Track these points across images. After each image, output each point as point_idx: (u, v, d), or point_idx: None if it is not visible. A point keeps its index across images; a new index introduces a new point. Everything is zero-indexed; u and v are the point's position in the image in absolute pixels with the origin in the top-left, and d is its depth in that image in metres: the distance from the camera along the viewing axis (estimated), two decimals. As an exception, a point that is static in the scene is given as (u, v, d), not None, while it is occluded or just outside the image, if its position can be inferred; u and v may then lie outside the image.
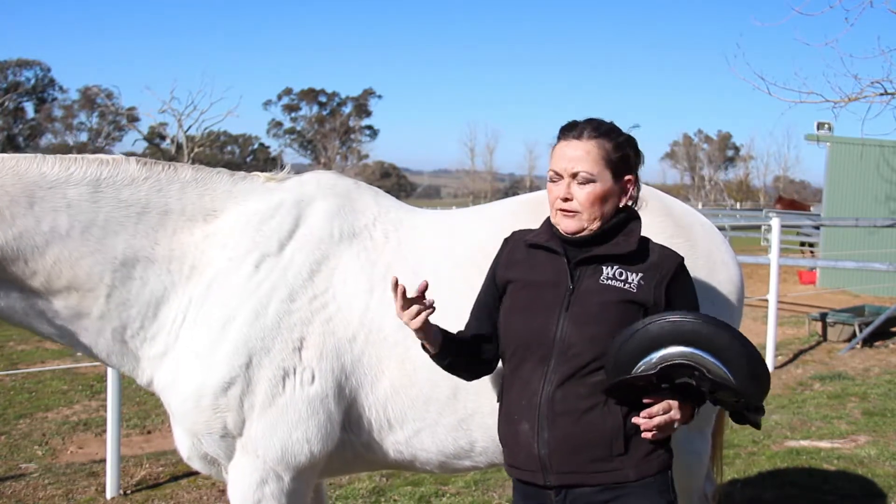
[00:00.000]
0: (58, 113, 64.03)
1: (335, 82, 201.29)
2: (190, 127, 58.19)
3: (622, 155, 2.41)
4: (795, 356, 10.25)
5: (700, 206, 42.91)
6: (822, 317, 11.32)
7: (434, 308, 2.34)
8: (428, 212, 3.40)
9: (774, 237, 10.25)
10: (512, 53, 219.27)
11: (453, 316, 2.74)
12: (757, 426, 2.41)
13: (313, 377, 2.80)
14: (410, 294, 2.31)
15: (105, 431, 5.84)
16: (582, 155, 2.37)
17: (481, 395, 2.88)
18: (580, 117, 2.47)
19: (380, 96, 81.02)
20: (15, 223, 2.71)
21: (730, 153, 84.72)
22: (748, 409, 2.31)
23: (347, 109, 75.60)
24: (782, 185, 78.25)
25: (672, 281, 2.39)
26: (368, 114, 76.53)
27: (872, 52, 17.61)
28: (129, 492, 5.50)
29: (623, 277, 2.37)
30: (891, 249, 16.27)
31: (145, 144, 62.23)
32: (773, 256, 10.20)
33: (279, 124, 76.22)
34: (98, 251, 2.79)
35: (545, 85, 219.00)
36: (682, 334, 2.21)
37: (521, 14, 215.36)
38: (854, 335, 10.72)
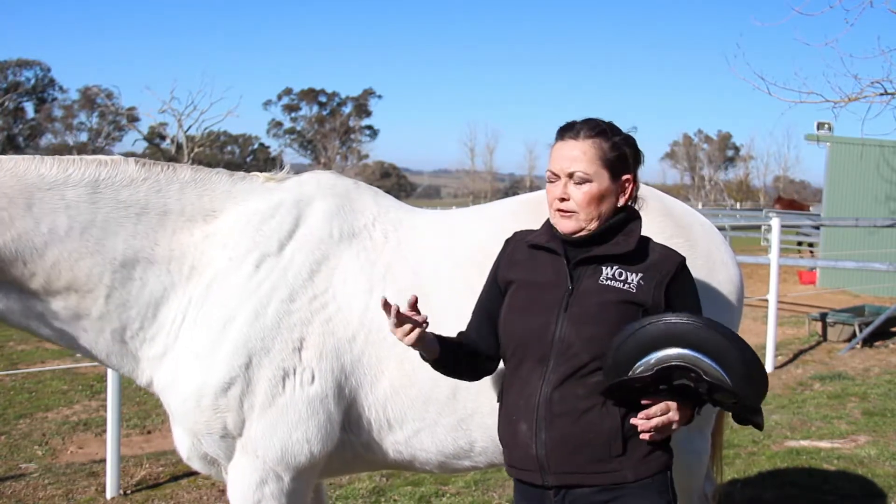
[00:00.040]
0: (58, 113, 64.02)
1: (335, 82, 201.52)
2: (190, 127, 58.28)
3: (619, 154, 2.40)
4: (795, 356, 10.25)
5: (700, 206, 42.92)
6: (822, 317, 11.32)
7: (427, 324, 2.33)
8: (428, 212, 3.40)
9: (774, 237, 10.25)
10: (512, 53, 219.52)
11: (453, 316, 2.74)
12: (759, 427, 2.41)
13: (313, 377, 2.80)
14: (403, 309, 2.31)
15: (105, 431, 5.84)
16: (578, 155, 2.37)
17: (481, 395, 2.88)
18: (580, 117, 2.47)
19: (380, 96, 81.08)
20: (13, 225, 2.70)
21: (730, 153, 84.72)
22: (746, 410, 2.31)
23: (347, 109, 75.64)
24: (782, 185, 78.25)
25: (672, 281, 2.39)
26: (368, 114, 76.59)
27: (872, 52, 17.63)
28: (129, 492, 5.50)
29: (623, 278, 2.37)
30: (891, 249, 16.27)
31: (145, 144, 62.28)
32: (773, 256, 10.19)
33: (279, 124, 76.27)
34: (97, 252, 2.79)
35: (545, 85, 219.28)
36: (679, 336, 2.21)
37: (521, 14, 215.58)
38: (854, 335, 10.72)
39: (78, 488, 5.54)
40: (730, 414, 2.45)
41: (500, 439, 2.51)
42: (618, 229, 2.42)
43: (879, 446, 6.41)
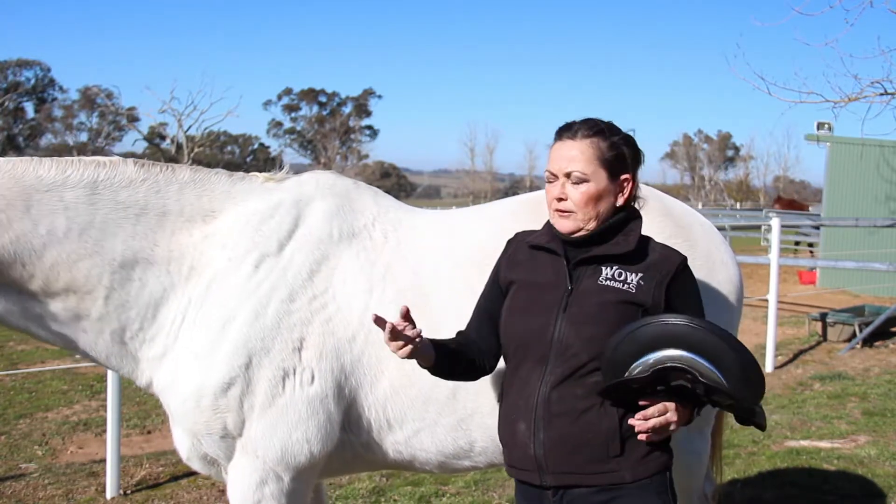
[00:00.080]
0: (58, 113, 64.03)
1: (335, 82, 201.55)
2: (190, 127, 58.27)
3: (617, 154, 2.40)
4: (795, 356, 10.25)
5: (700, 206, 42.92)
6: (822, 317, 11.32)
7: (420, 338, 2.32)
8: (427, 212, 3.40)
9: (774, 237, 10.25)
10: (512, 53, 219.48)
11: (453, 316, 2.75)
12: (761, 428, 2.41)
13: (313, 377, 2.80)
14: (395, 319, 2.30)
15: (105, 431, 5.84)
16: (576, 154, 2.38)
17: (480, 395, 2.88)
18: (580, 117, 2.47)
19: (380, 96, 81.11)
20: (11, 227, 2.70)
21: (730, 153, 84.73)
22: (744, 411, 2.32)
23: (347, 109, 75.64)
24: (782, 185, 78.25)
25: (673, 281, 2.38)
26: (368, 114, 76.58)
27: (872, 52, 17.61)
28: (129, 492, 5.50)
29: (622, 278, 2.37)
30: (891, 249, 16.27)
31: (145, 144, 62.26)
32: (773, 256, 10.19)
33: (279, 124, 76.27)
34: (96, 253, 2.79)
35: (545, 85, 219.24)
36: (676, 337, 2.20)
37: (521, 14, 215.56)
38: (854, 335, 10.72)
39: (78, 488, 5.54)
40: (729, 414, 2.45)
41: (499, 439, 2.51)
42: (617, 229, 2.42)
43: (879, 446, 6.41)
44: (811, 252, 23.12)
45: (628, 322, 2.29)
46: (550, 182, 2.43)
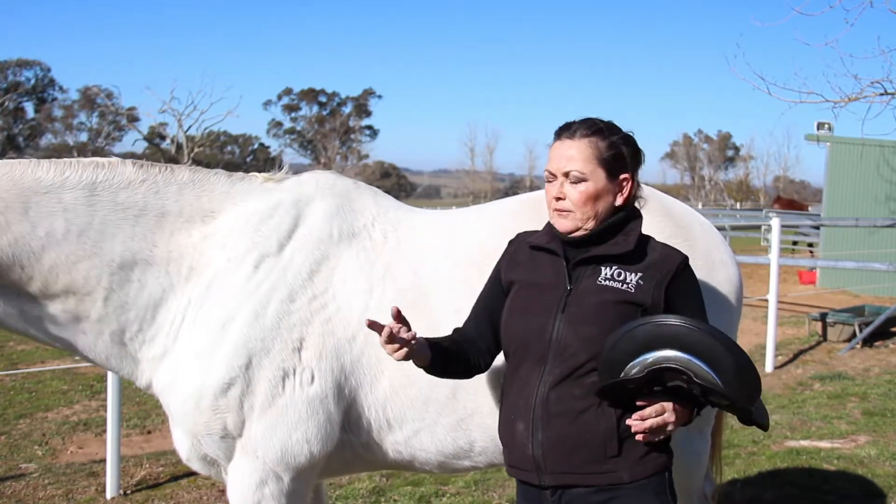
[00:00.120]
0: (58, 113, 64.00)
1: (335, 82, 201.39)
2: (190, 127, 58.24)
3: (616, 153, 2.40)
4: (795, 356, 10.25)
5: (700, 206, 42.90)
6: (822, 317, 11.32)
7: (415, 342, 2.33)
8: (427, 212, 3.40)
9: (774, 237, 10.24)
10: (512, 53, 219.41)
11: (453, 316, 2.75)
12: (764, 428, 2.41)
13: (313, 377, 2.80)
14: (388, 321, 2.31)
15: (105, 431, 5.84)
16: (574, 154, 2.38)
17: (480, 395, 2.88)
18: (580, 117, 2.48)
19: (380, 96, 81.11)
20: (10, 229, 2.70)
21: (730, 153, 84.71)
22: (741, 411, 2.32)
23: (347, 109, 75.62)
24: (782, 185, 78.24)
25: (673, 280, 2.38)
26: (368, 114, 76.56)
27: (872, 52, 17.63)
28: (129, 492, 5.50)
29: (621, 278, 2.37)
30: (891, 249, 16.27)
31: (145, 144, 62.25)
32: (773, 256, 10.19)
33: (279, 124, 76.25)
34: (95, 254, 2.79)
35: (545, 85, 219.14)
36: (671, 338, 2.20)
37: (521, 14, 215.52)
38: (854, 335, 10.72)
39: (78, 488, 5.54)
40: (729, 414, 2.45)
41: (500, 438, 2.52)
42: (617, 229, 2.43)
43: (879, 446, 6.41)
44: (811, 252, 23.12)
45: (627, 322, 2.29)
46: (549, 181, 2.44)
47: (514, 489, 2.54)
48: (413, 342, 2.32)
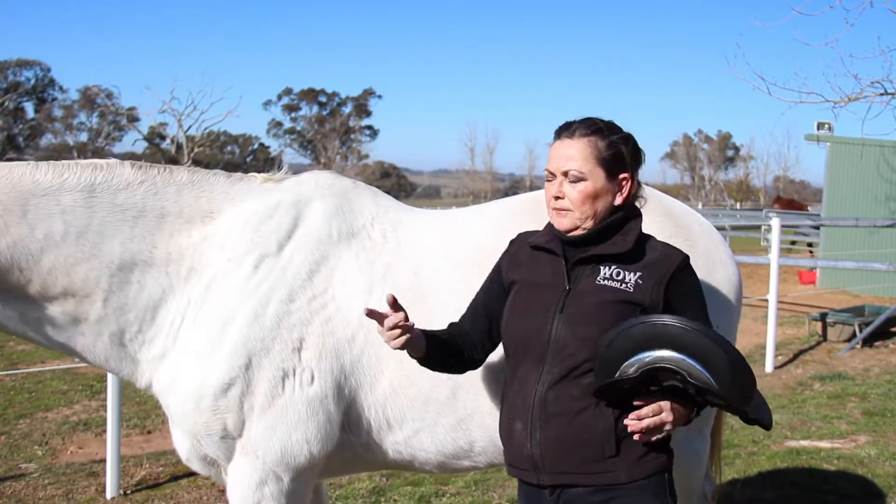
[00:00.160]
0: (58, 113, 63.99)
1: (335, 82, 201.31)
2: (190, 127, 58.22)
3: (615, 153, 2.41)
4: (795, 356, 10.25)
5: (700, 206, 42.91)
6: (822, 317, 11.33)
7: (413, 329, 2.34)
8: (427, 211, 3.40)
9: (774, 237, 10.24)
10: (512, 53, 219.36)
11: (453, 315, 2.74)
12: (766, 427, 2.41)
13: (312, 378, 2.80)
14: (384, 310, 2.33)
15: (105, 431, 5.84)
16: (573, 153, 2.39)
17: (480, 395, 2.89)
18: (580, 117, 2.49)
19: (380, 96, 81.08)
20: (8, 232, 2.69)
21: (730, 153, 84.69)
22: (736, 410, 2.32)
23: (347, 109, 75.62)
24: (782, 185, 78.22)
25: (672, 279, 2.38)
26: (368, 114, 76.56)
27: (872, 52, 17.63)
28: (129, 492, 5.50)
29: (620, 277, 2.37)
30: (891, 249, 16.27)
31: (145, 144, 62.25)
32: (773, 256, 10.19)
33: (279, 124, 76.26)
34: (94, 256, 2.78)
35: (545, 85, 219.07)
36: (665, 337, 2.20)
37: (521, 14, 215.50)
38: (854, 335, 10.72)
39: (78, 488, 5.54)
40: (728, 414, 2.45)
41: (500, 438, 2.52)
42: (616, 228, 2.43)
43: (879, 446, 6.41)
44: (810, 252, 23.12)
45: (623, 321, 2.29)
46: (549, 181, 2.44)
47: (514, 489, 2.55)
48: (410, 330, 2.33)
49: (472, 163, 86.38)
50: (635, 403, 2.27)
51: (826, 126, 17.59)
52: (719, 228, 3.28)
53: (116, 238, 2.82)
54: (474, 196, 71.56)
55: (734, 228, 22.60)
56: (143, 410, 7.62)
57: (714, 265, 3.17)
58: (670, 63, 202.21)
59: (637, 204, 2.52)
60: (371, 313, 2.32)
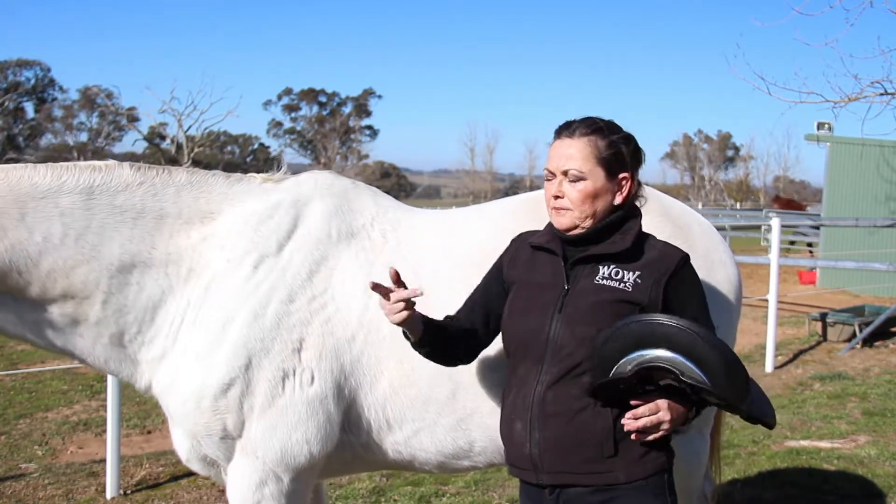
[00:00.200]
0: (58, 113, 63.97)
1: (335, 82, 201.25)
2: (190, 127, 58.18)
3: (615, 152, 2.41)
4: (795, 356, 10.26)
5: (700, 206, 42.89)
6: (822, 317, 11.33)
7: (414, 308, 2.35)
8: (426, 211, 3.40)
9: (774, 237, 10.25)
10: (512, 53, 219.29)
11: (453, 316, 2.75)
12: (769, 426, 2.41)
13: (312, 378, 2.80)
14: (388, 285, 2.33)
15: (105, 431, 5.84)
16: (573, 153, 2.39)
17: (480, 395, 2.88)
18: (580, 117, 2.48)
19: (380, 96, 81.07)
20: (7, 235, 2.69)
21: (730, 153, 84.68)
22: (732, 409, 2.32)
23: (347, 109, 75.61)
24: (782, 185, 78.22)
25: (671, 279, 2.38)
26: (368, 114, 76.54)
27: (872, 52, 17.63)
28: (129, 492, 5.50)
29: (619, 277, 2.37)
30: (891, 249, 16.27)
31: (145, 144, 62.25)
32: (773, 256, 10.19)
33: (279, 124, 76.24)
34: (93, 258, 2.78)
35: (545, 85, 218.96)
36: (660, 337, 2.21)
37: (521, 14, 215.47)
38: (854, 335, 10.72)
39: (78, 488, 5.54)
40: (728, 414, 2.46)
41: (500, 437, 2.53)
42: (615, 228, 2.43)
43: (879, 446, 6.41)
44: (810, 252, 23.12)
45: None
46: (549, 180, 2.45)
47: (515, 489, 2.55)
48: (412, 308, 2.33)
49: (472, 163, 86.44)
50: (632, 403, 2.27)
51: (826, 126, 17.59)
52: (719, 228, 3.28)
53: (115, 240, 2.81)
54: (474, 196, 71.55)
55: (734, 228, 22.59)
56: (143, 410, 7.62)
57: (714, 265, 3.17)
58: (670, 63, 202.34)
59: (637, 203, 2.52)
60: (376, 287, 2.32)
